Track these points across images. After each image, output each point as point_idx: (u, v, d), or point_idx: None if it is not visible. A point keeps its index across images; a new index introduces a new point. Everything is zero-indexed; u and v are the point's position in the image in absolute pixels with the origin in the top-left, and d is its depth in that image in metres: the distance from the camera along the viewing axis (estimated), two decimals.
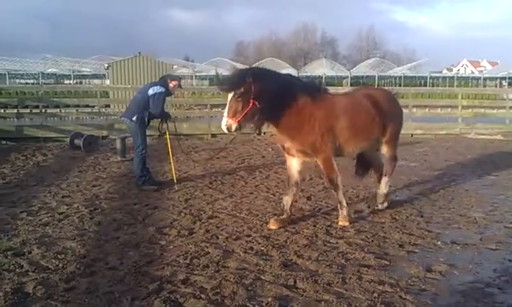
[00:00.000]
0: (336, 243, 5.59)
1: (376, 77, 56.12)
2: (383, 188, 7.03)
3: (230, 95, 5.61)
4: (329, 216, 6.67)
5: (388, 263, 5.01)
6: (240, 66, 66.81)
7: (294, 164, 6.37)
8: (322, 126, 6.03)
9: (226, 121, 5.63)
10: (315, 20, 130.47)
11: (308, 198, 7.60)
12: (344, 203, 6.37)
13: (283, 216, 6.28)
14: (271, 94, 5.64)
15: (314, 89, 6.30)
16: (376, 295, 4.25)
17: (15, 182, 8.72)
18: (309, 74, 62.27)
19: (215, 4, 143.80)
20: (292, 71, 63.96)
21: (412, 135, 15.93)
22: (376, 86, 27.31)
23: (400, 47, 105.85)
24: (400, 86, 50.71)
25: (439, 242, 5.65)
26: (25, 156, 11.41)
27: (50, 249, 5.27)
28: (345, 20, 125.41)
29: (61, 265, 4.85)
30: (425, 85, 54.12)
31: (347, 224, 6.21)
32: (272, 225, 6.08)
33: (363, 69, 61.66)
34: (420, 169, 10.29)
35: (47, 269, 4.75)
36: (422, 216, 6.73)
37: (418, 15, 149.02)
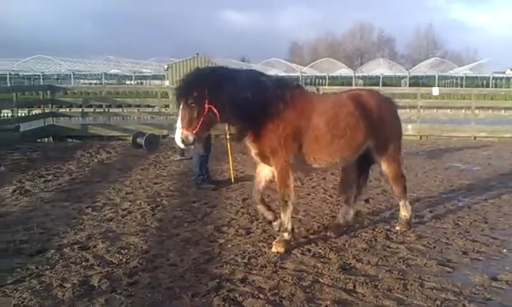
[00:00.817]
0: (397, 248, 5.49)
1: (436, 77, 54.38)
2: (404, 212, 6.15)
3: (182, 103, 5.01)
4: (389, 220, 6.55)
5: (451, 270, 4.88)
6: (295, 66, 66.99)
7: (266, 170, 5.73)
8: (288, 127, 5.27)
9: (181, 133, 5.01)
10: (372, 19, 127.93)
11: (367, 201, 7.49)
12: (288, 226, 5.44)
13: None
14: (229, 96, 4.98)
15: (283, 86, 5.48)
16: (438, 302, 4.15)
17: (80, 178, 9.13)
18: (366, 74, 61.42)
19: (270, 5, 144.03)
20: (348, 71, 63.27)
21: (475, 138, 15.37)
22: (436, 87, 26.48)
23: (461, 46, 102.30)
24: (461, 86, 48.95)
25: (504, 250, 5.45)
26: (90, 153, 11.91)
27: (114, 244, 5.48)
28: (403, 19, 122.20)
29: (124, 259, 5.04)
30: (487, 86, 51.90)
31: (281, 250, 5.26)
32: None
33: (422, 69, 59.99)
34: (484, 173, 9.91)
35: (111, 263, 4.94)
36: (486, 222, 6.49)
37: (477, 13, 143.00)
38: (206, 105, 4.92)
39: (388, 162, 6.07)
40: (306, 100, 5.60)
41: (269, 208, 5.88)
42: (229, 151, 8.78)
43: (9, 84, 47.20)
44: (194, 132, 4.97)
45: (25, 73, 55.68)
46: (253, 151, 5.53)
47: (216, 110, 4.98)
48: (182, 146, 5.14)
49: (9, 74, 53.66)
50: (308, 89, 8.18)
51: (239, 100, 5.02)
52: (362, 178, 6.32)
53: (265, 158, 5.49)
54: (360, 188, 6.29)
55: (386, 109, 5.98)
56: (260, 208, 5.86)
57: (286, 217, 5.45)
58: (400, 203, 6.19)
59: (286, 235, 5.42)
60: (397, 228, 6.10)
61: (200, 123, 4.95)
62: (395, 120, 6.18)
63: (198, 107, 4.91)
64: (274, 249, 5.29)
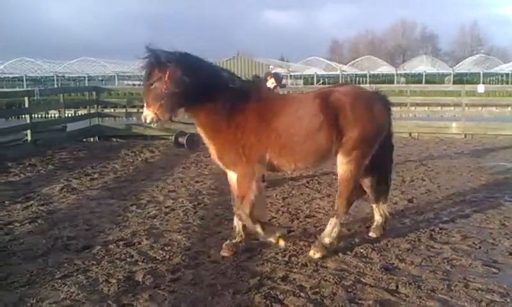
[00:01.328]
0: (441, 248, 5.36)
1: (481, 74, 52.77)
2: (326, 234, 5.21)
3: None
4: (432, 220, 6.41)
5: (497, 271, 4.74)
6: (335, 65, 66.35)
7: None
8: (246, 131, 4.92)
9: (144, 112, 4.90)
10: (414, 15, 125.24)
11: (410, 200, 7.34)
12: (241, 233, 5.21)
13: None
14: (189, 84, 4.74)
15: (245, 86, 5.19)
16: (483, 304, 4.06)
17: (125, 177, 9.36)
18: (408, 72, 60.20)
19: (310, 3, 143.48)
20: (390, 69, 62.16)
21: None
22: (481, 84, 25.64)
23: (507, 42, 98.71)
24: (507, 83, 47.31)
25: None
26: (134, 152, 12.20)
27: (158, 241, 5.59)
28: (445, 15, 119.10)
29: (167, 256, 5.14)
30: None
31: (225, 254, 5.10)
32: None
33: (466, 66, 58.28)
34: None
35: (155, 260, 5.05)
36: None
37: None
38: (164, 88, 4.72)
39: (345, 162, 5.13)
40: (269, 102, 5.21)
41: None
42: None
43: (56, 86, 48.92)
44: (154, 112, 4.81)
45: (71, 75, 57.50)
46: (212, 156, 5.22)
47: (175, 96, 4.77)
48: (146, 122, 4.94)
49: (56, 76, 55.58)
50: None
51: (196, 91, 4.83)
52: (379, 174, 5.65)
53: (226, 165, 5.16)
54: (381, 185, 5.68)
55: (362, 108, 5.10)
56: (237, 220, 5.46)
57: (246, 224, 5.12)
58: (330, 220, 5.28)
59: (236, 239, 5.22)
60: (311, 251, 5.15)
61: (160, 104, 4.77)
62: (370, 123, 5.10)
63: (158, 89, 4.75)
64: (222, 252, 5.12)
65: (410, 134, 15.19)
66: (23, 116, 15.16)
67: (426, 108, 19.54)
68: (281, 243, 5.11)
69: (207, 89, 4.88)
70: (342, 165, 5.13)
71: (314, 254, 5.06)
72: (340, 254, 5.15)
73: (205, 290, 4.33)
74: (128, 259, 5.07)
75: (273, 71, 8.69)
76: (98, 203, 7.29)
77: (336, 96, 5.09)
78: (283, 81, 8.64)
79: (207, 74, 4.97)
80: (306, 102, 5.12)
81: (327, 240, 5.15)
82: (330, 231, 5.18)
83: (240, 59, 26.79)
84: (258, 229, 5.03)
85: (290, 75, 60.42)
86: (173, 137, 13.37)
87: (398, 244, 5.48)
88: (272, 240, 5.07)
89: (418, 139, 14.60)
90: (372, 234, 5.71)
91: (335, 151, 5.09)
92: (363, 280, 4.51)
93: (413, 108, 18.72)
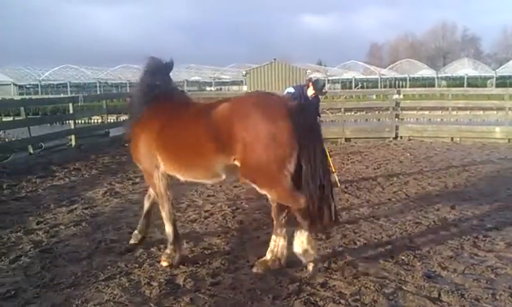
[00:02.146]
0: (485, 256, 5.22)
1: None
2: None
3: None
4: (476, 227, 6.24)
5: None
6: (373, 68, 65.53)
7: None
8: (143, 140, 5.01)
9: None
10: (455, 17, 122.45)
11: (452, 207, 7.17)
12: (171, 238, 5.10)
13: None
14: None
15: (163, 90, 5.19)
16: None
17: None
18: (449, 75, 58.88)
19: (348, 7, 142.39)
20: (431, 72, 60.96)
21: None
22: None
23: None
24: None
25: None
26: None
27: (198, 245, 5.67)
28: (488, 17, 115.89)
29: (207, 260, 5.19)
30: None
31: (164, 264, 5.00)
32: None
33: (510, 68, 56.46)
34: None
35: (195, 263, 5.11)
36: None
37: None
38: None
39: (261, 184, 4.52)
40: (168, 107, 5.05)
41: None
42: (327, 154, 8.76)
43: (98, 92, 50.25)
44: None
45: (113, 81, 58.98)
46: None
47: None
48: None
49: (99, 82, 57.11)
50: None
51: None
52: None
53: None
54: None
55: (257, 116, 4.37)
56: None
57: (167, 228, 5.14)
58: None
59: (169, 248, 5.11)
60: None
61: None
62: (269, 140, 4.29)
63: None
64: (162, 263, 5.04)
65: (452, 139, 14.85)
66: (67, 121, 15.65)
67: (468, 112, 18.99)
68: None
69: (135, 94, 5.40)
70: (263, 189, 4.57)
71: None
72: (381, 261, 5.08)
73: (244, 294, 4.35)
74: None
75: (314, 79, 8.54)
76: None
77: (228, 107, 4.59)
78: (325, 88, 8.48)
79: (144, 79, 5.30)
80: (199, 111, 4.84)
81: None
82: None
83: (277, 65, 26.80)
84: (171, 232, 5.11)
85: (328, 80, 60.08)
86: None
87: (440, 251, 5.36)
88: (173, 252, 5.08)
89: (461, 144, 14.24)
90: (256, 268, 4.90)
91: (226, 168, 4.65)
92: (405, 288, 4.44)
93: (454, 112, 18.27)
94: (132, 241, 5.65)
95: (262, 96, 4.93)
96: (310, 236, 4.61)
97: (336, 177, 8.78)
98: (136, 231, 5.71)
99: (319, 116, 8.62)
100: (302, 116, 4.45)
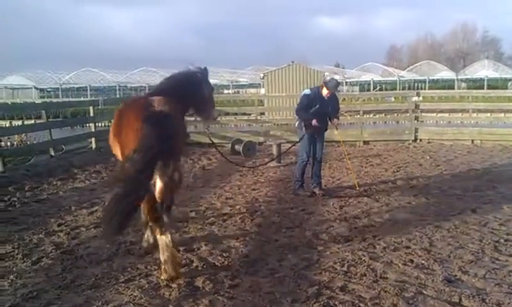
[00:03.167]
0: (506, 261, 5.14)
1: None
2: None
3: None
4: (497, 231, 6.15)
5: None
6: (392, 70, 65.03)
7: None
8: None
9: None
10: (475, 18, 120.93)
11: (473, 211, 7.07)
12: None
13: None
14: None
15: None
16: None
17: (184, 184, 9.55)
18: (469, 77, 58.16)
19: (364, 9, 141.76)
20: (450, 74, 60.26)
21: None
22: None
23: None
24: None
25: None
26: (193, 160, 12.46)
27: (216, 247, 5.68)
28: (508, 18, 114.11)
29: (226, 262, 5.21)
30: None
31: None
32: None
33: None
34: None
35: (214, 266, 5.13)
36: None
37: None
38: None
39: None
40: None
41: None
42: (346, 157, 8.74)
43: (118, 95, 50.76)
44: None
45: (133, 85, 59.56)
46: None
47: None
48: None
49: (119, 86, 57.72)
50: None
51: None
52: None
53: None
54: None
55: (130, 115, 4.89)
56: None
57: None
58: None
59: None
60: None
61: None
62: (133, 128, 4.66)
63: None
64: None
65: (472, 141, 14.65)
66: (88, 124, 15.82)
67: (489, 114, 18.73)
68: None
69: None
70: None
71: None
72: (401, 265, 5.04)
73: (263, 297, 4.35)
74: (188, 264, 5.19)
75: (328, 78, 8.51)
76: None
77: (127, 105, 5.26)
78: (338, 86, 8.47)
79: None
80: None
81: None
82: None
83: (295, 67, 26.71)
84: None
85: (346, 82, 59.79)
86: (230, 145, 13.59)
87: (461, 255, 5.30)
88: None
89: (481, 147, 14.04)
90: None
91: None
92: (425, 292, 4.39)
93: (474, 114, 18.01)
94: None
95: (133, 99, 5.88)
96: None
97: (355, 180, 8.75)
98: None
99: (337, 116, 8.54)
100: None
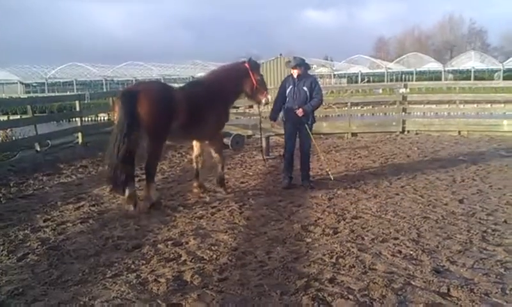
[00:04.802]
0: (494, 250, 5.17)
1: None
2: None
3: None
4: (484, 221, 6.19)
5: None
6: (380, 62, 65.26)
7: None
8: None
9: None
10: (461, 10, 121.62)
11: (461, 201, 7.12)
12: None
13: None
14: None
15: None
16: None
17: (172, 177, 9.53)
18: (456, 68, 58.57)
19: (352, 1, 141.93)
20: (437, 66, 60.64)
21: None
22: None
23: None
24: None
25: None
26: (181, 153, 12.36)
27: (205, 241, 5.65)
28: (494, 9, 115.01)
29: (214, 256, 5.17)
30: None
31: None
32: None
33: None
34: None
35: (203, 259, 5.09)
36: None
37: None
38: None
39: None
40: None
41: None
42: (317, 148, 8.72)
43: (105, 89, 50.36)
44: None
45: (120, 79, 59.13)
46: None
47: None
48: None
49: (105, 80, 57.26)
50: None
51: None
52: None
53: None
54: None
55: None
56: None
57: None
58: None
59: None
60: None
61: None
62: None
63: None
64: None
65: (459, 132, 14.75)
66: (74, 119, 15.65)
67: (475, 105, 18.86)
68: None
69: None
70: None
71: None
72: (389, 256, 5.04)
73: (252, 290, 4.33)
74: (176, 258, 5.14)
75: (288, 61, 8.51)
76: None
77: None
78: (291, 63, 8.25)
79: None
80: None
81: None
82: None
83: (283, 60, 26.69)
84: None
85: (334, 74, 59.88)
86: None
87: (449, 246, 5.32)
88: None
89: (468, 138, 14.15)
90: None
91: None
92: (413, 283, 4.40)
93: (461, 105, 18.14)
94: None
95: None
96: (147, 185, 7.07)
97: (329, 171, 8.72)
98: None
99: (320, 98, 8.25)
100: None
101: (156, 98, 6.70)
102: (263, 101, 7.87)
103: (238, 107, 20.23)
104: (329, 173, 8.66)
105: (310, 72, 8.88)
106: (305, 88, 8.04)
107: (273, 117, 8.49)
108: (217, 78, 7.67)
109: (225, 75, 7.77)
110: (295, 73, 8.12)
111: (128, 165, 6.63)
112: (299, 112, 7.93)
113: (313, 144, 8.62)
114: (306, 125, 8.14)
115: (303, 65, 8.14)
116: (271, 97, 7.91)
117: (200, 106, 7.14)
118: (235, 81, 7.69)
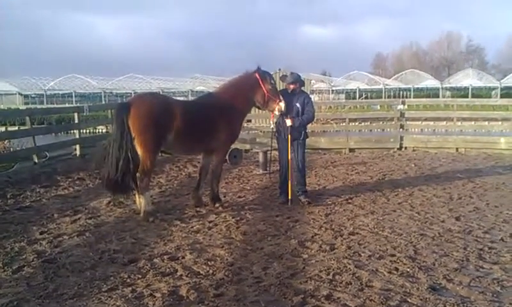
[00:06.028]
0: (490, 269, 5.17)
1: None
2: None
3: None
4: (481, 239, 6.19)
5: None
6: (378, 79, 65.59)
7: None
8: None
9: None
10: (459, 27, 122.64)
11: (457, 219, 7.13)
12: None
13: None
14: None
15: None
16: None
17: (169, 191, 9.51)
18: (454, 85, 58.85)
19: (350, 18, 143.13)
20: (435, 83, 60.93)
21: None
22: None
23: None
24: None
25: None
26: (178, 167, 12.38)
27: (201, 256, 5.63)
28: (492, 27, 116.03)
29: (210, 271, 5.15)
30: None
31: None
32: None
33: None
34: None
35: (199, 274, 5.07)
36: None
37: None
38: None
39: None
40: None
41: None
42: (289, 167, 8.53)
43: (104, 102, 50.44)
44: None
45: (119, 91, 59.28)
46: None
47: None
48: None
49: (104, 92, 57.38)
50: None
51: None
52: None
53: None
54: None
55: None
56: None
57: None
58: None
59: None
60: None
61: None
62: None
63: None
64: None
65: (457, 149, 14.80)
66: (72, 131, 15.64)
67: (473, 123, 18.95)
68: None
69: None
70: None
71: None
72: (386, 273, 5.04)
73: (248, 306, 4.31)
74: (172, 273, 5.12)
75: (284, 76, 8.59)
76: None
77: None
78: (288, 79, 8.31)
79: None
80: None
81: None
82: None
83: (282, 75, 26.84)
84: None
85: (332, 90, 60.09)
86: None
87: (445, 263, 5.32)
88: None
89: (465, 155, 14.19)
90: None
91: None
92: (410, 300, 4.39)
93: (459, 123, 18.21)
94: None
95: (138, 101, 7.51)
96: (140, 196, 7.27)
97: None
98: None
99: (311, 114, 8.27)
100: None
101: (146, 112, 6.91)
102: (276, 109, 7.93)
103: None
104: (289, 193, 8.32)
105: (310, 85, 9.00)
106: (298, 104, 8.15)
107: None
108: (228, 90, 7.93)
109: (236, 86, 7.97)
110: (290, 88, 8.19)
111: (128, 174, 7.03)
112: (289, 121, 8.01)
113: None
114: (298, 141, 8.21)
115: (298, 81, 8.30)
116: (284, 105, 7.87)
117: (205, 118, 7.25)
118: (246, 92, 7.85)
